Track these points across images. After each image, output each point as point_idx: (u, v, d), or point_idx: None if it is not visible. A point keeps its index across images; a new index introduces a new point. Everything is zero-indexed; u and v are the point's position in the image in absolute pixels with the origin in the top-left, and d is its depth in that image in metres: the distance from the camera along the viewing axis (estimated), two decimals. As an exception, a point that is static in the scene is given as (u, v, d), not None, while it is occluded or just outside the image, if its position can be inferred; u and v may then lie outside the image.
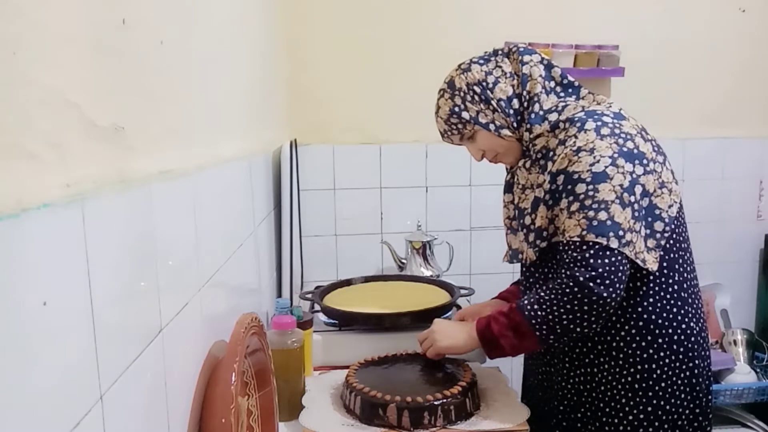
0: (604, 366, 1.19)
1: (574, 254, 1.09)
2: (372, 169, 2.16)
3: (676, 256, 1.18)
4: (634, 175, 1.12)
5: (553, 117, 1.20)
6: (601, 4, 2.21)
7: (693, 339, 1.19)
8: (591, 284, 1.06)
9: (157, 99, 0.75)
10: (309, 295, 1.68)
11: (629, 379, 1.17)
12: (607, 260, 1.07)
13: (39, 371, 0.45)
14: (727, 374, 2.11)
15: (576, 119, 1.17)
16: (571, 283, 1.08)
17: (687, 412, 1.19)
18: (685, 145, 2.28)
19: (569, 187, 1.12)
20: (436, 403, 1.11)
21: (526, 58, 1.23)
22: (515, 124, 1.23)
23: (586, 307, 1.07)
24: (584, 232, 1.09)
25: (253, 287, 1.37)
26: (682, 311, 1.18)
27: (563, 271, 1.10)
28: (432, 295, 1.67)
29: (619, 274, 1.08)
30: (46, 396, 0.46)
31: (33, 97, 0.46)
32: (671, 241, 1.17)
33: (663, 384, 1.16)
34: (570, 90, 1.25)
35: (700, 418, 1.21)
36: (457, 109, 1.24)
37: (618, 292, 1.08)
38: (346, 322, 1.55)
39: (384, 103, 2.14)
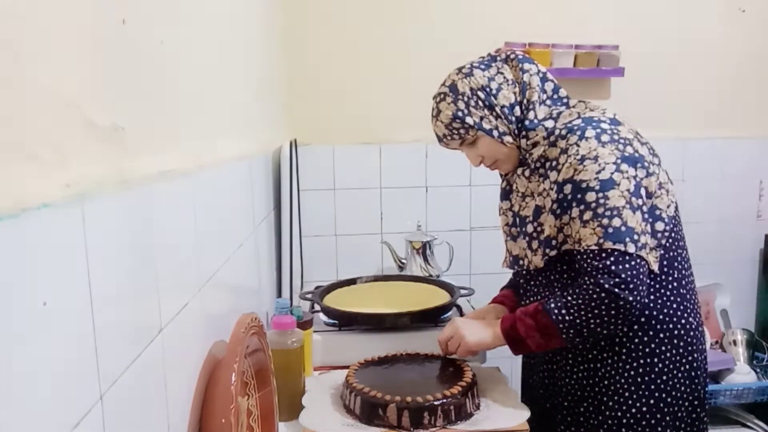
0: (608, 361, 1.20)
1: (595, 262, 1.11)
2: (372, 169, 2.16)
3: (675, 254, 1.21)
4: (638, 179, 1.14)
5: (549, 124, 1.22)
6: (601, 4, 2.21)
7: (692, 333, 1.22)
8: (617, 290, 1.08)
9: (157, 99, 0.75)
10: (309, 295, 1.68)
11: (632, 373, 1.19)
12: (627, 265, 1.09)
13: (39, 371, 0.45)
14: (727, 374, 2.11)
15: (575, 127, 1.18)
16: (597, 289, 1.09)
17: (686, 403, 1.22)
18: (685, 145, 2.28)
19: (579, 195, 1.13)
20: (436, 403, 1.11)
21: (526, 66, 1.25)
22: (516, 132, 1.24)
23: (613, 312, 1.10)
24: (601, 240, 1.10)
25: (253, 287, 1.37)
26: (682, 307, 1.21)
27: (586, 279, 1.11)
28: (432, 295, 1.67)
29: (641, 277, 1.10)
30: (46, 396, 0.46)
31: (33, 97, 0.46)
32: (670, 240, 1.20)
33: (665, 377, 1.19)
34: (559, 103, 1.27)
35: (698, 410, 1.24)
36: (460, 113, 1.23)
37: (642, 294, 1.10)
38: (346, 322, 1.55)
39: (384, 103, 2.14)
